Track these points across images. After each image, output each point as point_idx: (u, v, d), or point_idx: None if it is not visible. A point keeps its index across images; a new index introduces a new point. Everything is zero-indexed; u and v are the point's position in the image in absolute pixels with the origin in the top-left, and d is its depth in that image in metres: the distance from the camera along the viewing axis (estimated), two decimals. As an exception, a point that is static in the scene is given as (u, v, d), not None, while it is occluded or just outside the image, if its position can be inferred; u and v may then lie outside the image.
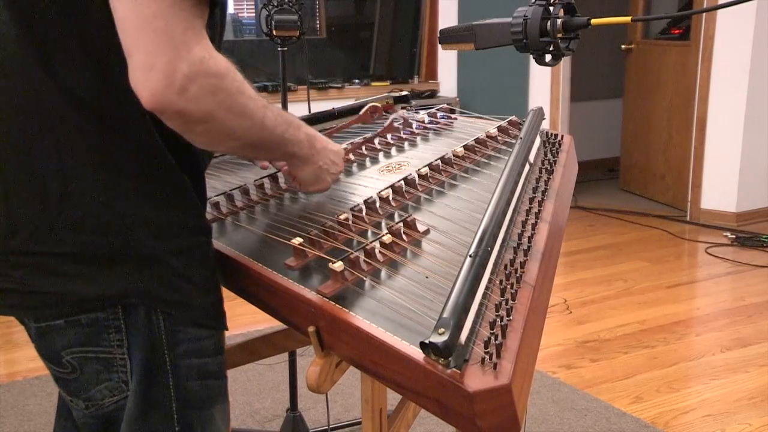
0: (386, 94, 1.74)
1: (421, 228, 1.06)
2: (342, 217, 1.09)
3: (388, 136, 1.51)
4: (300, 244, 1.00)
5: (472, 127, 1.59)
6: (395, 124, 1.55)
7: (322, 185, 1.15)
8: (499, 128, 1.50)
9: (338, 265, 0.92)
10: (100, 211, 0.89)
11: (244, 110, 0.88)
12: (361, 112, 1.59)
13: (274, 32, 1.98)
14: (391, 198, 1.17)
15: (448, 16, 5.10)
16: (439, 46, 1.30)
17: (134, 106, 0.84)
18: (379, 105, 1.62)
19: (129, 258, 0.91)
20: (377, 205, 1.14)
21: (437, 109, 1.68)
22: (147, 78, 0.79)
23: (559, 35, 1.09)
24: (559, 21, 1.08)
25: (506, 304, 0.85)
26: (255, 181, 1.28)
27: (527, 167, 1.24)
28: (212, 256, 0.99)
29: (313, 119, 1.56)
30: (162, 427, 0.96)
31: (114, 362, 0.94)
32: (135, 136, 0.89)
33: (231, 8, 4.80)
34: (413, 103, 1.79)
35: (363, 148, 1.45)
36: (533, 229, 1.07)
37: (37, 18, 0.86)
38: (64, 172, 0.89)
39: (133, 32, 0.79)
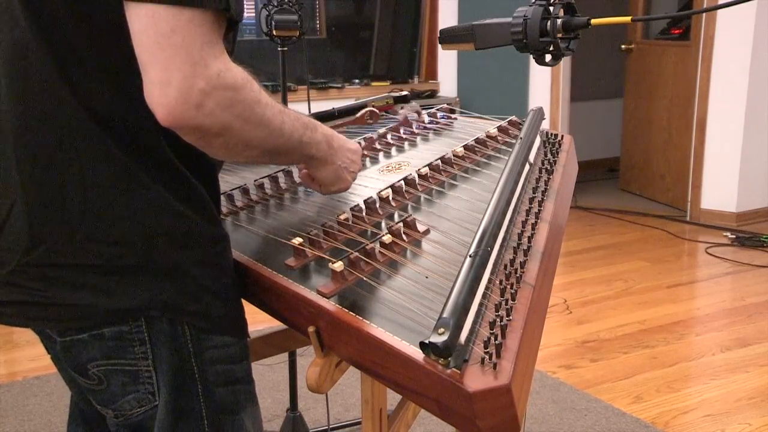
0: (386, 94, 1.73)
1: (421, 228, 1.06)
2: (342, 217, 1.09)
3: (401, 130, 1.52)
4: (300, 244, 1.00)
5: (472, 127, 1.59)
6: (409, 118, 1.55)
7: (342, 185, 1.13)
8: (499, 128, 1.50)
9: (338, 265, 0.92)
10: (121, 222, 0.88)
11: (261, 120, 0.88)
12: (357, 115, 1.59)
13: (274, 32, 1.98)
14: (391, 198, 1.17)
15: (448, 16, 5.10)
16: (439, 46, 1.30)
17: (147, 118, 0.83)
18: (377, 111, 1.62)
19: (151, 269, 0.90)
20: (377, 205, 1.14)
21: (437, 109, 1.68)
22: (163, 94, 0.78)
23: (559, 35, 1.09)
24: (559, 21, 1.08)
25: (506, 304, 0.85)
26: (255, 181, 1.28)
27: (527, 167, 1.24)
28: (231, 264, 0.98)
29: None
30: None
31: (140, 374, 0.94)
32: (150, 147, 0.88)
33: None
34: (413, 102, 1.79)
35: (376, 144, 1.45)
36: (533, 229, 1.07)
37: (55, 28, 0.84)
38: (84, 184, 0.88)
39: (150, 47, 0.78)
